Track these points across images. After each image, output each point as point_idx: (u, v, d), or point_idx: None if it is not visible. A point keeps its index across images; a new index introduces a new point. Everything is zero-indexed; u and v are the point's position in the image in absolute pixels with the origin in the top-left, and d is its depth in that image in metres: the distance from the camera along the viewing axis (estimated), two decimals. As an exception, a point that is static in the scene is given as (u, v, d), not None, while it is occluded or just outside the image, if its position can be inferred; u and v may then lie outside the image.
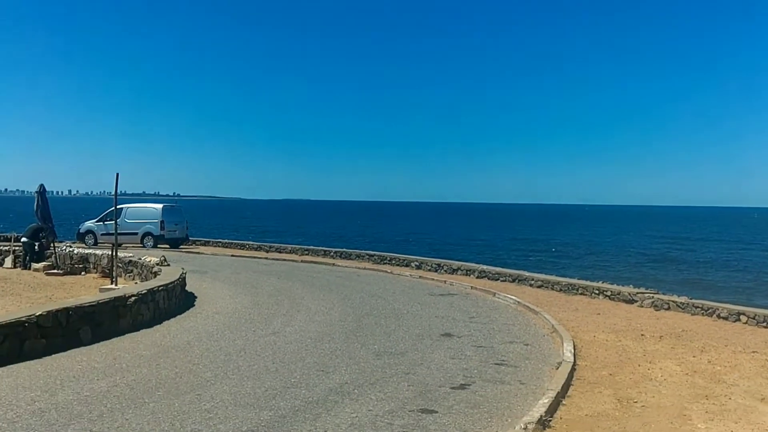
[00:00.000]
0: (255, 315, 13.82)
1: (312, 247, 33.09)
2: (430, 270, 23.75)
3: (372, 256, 27.49)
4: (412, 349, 10.97)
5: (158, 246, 30.18)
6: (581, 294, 18.09)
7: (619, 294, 17.20)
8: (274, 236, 57.16)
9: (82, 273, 20.25)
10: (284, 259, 27.76)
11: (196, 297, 15.90)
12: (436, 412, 7.56)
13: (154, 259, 18.27)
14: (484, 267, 23.15)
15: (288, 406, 7.59)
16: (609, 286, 18.19)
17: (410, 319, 13.87)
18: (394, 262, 26.17)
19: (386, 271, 23.60)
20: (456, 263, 23.97)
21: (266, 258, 28.33)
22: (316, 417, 7.22)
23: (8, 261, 21.96)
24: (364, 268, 24.57)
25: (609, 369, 10.07)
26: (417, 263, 25.07)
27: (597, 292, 17.79)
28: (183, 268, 16.81)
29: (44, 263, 20.79)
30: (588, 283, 19.01)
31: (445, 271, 23.23)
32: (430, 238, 71.24)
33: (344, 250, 30.40)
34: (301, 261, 27.14)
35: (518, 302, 16.35)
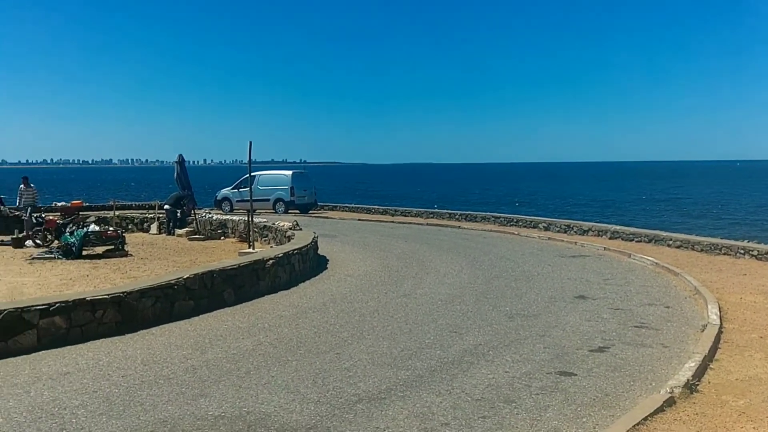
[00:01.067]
0: (385, 277, 14.03)
1: (437, 210, 33.11)
2: (558, 231, 23.18)
3: (498, 218, 27.17)
4: (545, 311, 10.78)
5: (289, 211, 31.20)
6: (724, 254, 17.07)
7: (767, 254, 16.10)
8: (398, 200, 57.73)
9: (221, 238, 21.28)
10: (410, 223, 27.96)
11: (328, 260, 16.33)
12: (575, 374, 7.40)
13: (287, 224, 18.89)
14: (617, 227, 22.32)
15: (424, 367, 7.68)
16: (756, 246, 17.05)
17: (541, 280, 13.62)
18: (520, 223, 25.75)
19: (513, 233, 23.27)
20: (586, 224, 23.25)
21: (392, 221, 28.64)
22: (452, 377, 7.26)
23: (154, 227, 23.43)
24: (490, 231, 24.34)
25: (759, 332, 9.47)
26: (545, 225, 24.53)
27: (742, 251, 16.73)
28: (314, 232, 17.28)
29: (186, 229, 22.02)
30: (732, 242, 17.91)
31: (575, 232, 22.59)
32: (545, 200, 69.43)
33: (469, 212, 30.20)
34: (427, 224, 27.24)
35: (656, 263, 15.66)
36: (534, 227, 24.74)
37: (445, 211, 31.86)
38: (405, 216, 31.20)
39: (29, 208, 21.11)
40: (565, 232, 22.91)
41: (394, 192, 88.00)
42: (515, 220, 26.27)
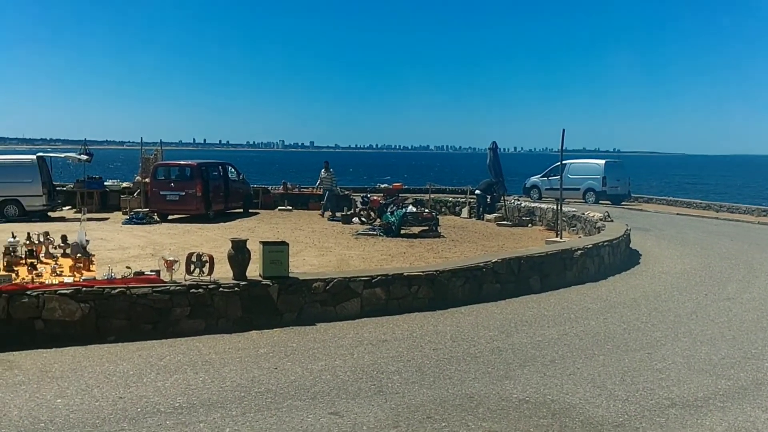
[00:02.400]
0: (705, 277, 12.89)
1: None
2: None
3: None
4: None
5: (599, 202, 30.20)
6: None
7: None
8: (724, 195, 52.59)
9: (529, 225, 21.36)
10: (737, 220, 25.30)
11: (640, 255, 15.48)
12: None
13: (598, 215, 18.31)
14: None
15: (749, 378, 6.92)
16: None
17: None
18: None
19: None
20: None
21: (716, 218, 26.17)
22: (785, 395, 6.43)
23: (464, 211, 24.32)
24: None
25: None
26: None
27: None
28: (626, 225, 16.50)
29: (495, 215, 22.49)
30: None
31: None
32: None
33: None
34: (758, 223, 24.40)
35: None
36: None
37: (781, 209, 28.21)
38: (731, 213, 28.29)
39: (327, 192, 23.31)
40: None
41: (719, 186, 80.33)
42: None
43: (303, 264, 12.66)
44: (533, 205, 23.42)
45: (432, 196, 26.78)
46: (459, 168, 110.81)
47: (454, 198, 27.05)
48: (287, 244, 9.48)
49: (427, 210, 20.50)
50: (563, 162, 17.84)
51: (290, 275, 9.22)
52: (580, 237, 17.09)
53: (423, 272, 10.09)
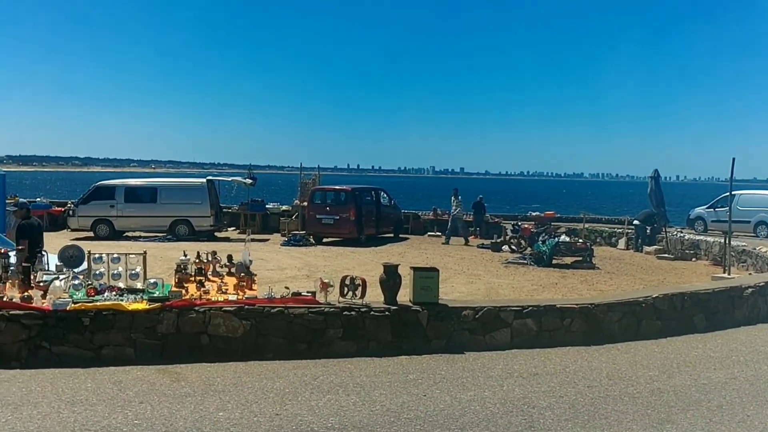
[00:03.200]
0: None
1: None
2: None
3: None
4: None
5: (773, 236, 27.90)
6: None
7: None
8: None
9: (692, 259, 20.11)
10: None
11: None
12: None
13: (771, 250, 16.92)
14: None
15: None
16: None
17: None
18: None
19: None
20: None
21: None
22: None
23: (621, 242, 23.31)
24: None
25: None
26: None
27: None
28: (806, 262, 15.12)
29: (655, 247, 21.39)
30: None
31: None
32: None
33: None
34: None
35: None
36: None
37: None
38: None
39: (452, 217, 23.11)
40: None
41: None
42: None
43: (452, 291, 12.65)
44: (698, 237, 22.02)
45: (586, 225, 25.92)
46: (615, 197, 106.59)
47: (610, 228, 26.02)
48: (437, 271, 9.52)
49: (580, 240, 19.88)
50: (732, 192, 16.70)
51: (440, 302, 9.23)
52: (750, 274, 15.87)
53: (577, 305, 9.75)
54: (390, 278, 9.08)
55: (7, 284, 8.70)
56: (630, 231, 23.35)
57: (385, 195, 24.89)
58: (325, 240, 22.21)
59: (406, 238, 23.94)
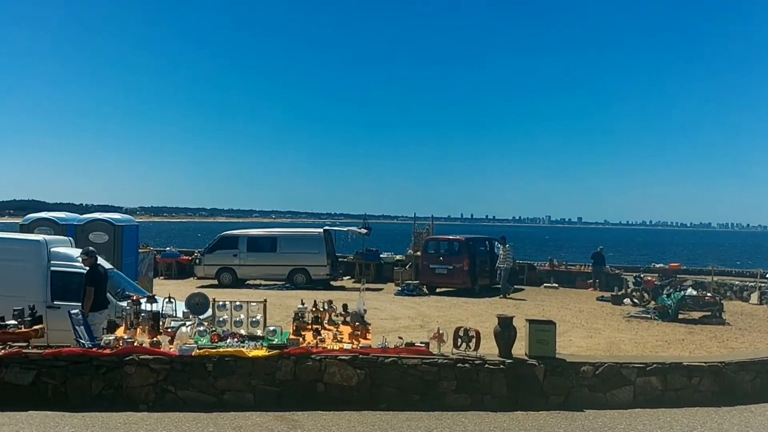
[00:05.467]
0: None
1: None
2: None
3: None
4: None
5: None
6: None
7: None
8: None
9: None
10: None
11: None
12: None
13: None
14: None
15: None
16: None
17: None
18: None
19: None
20: None
21: None
22: None
23: (754, 297, 21.85)
24: None
25: None
26: None
27: None
28: None
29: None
30: None
31: None
32: None
33: None
34: None
35: None
36: None
37: None
38: None
39: (501, 267, 22.01)
40: None
41: None
42: None
43: (569, 345, 12.27)
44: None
45: (715, 278, 24.53)
46: (747, 248, 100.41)
47: (741, 281, 24.48)
48: (554, 324, 9.28)
49: (709, 294, 18.83)
50: None
51: (557, 356, 8.97)
52: None
53: (705, 363, 9.20)
54: (505, 330, 8.94)
55: (138, 329, 9.23)
56: (763, 285, 21.89)
57: (499, 245, 24.62)
58: (438, 290, 22.16)
59: (521, 289, 23.49)
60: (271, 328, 9.21)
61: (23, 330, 9.17)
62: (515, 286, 23.71)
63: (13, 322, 9.30)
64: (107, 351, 8.50)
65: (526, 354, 8.94)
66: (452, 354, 8.80)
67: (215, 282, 23.76)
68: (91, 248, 10.90)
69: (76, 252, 11.61)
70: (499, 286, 23.17)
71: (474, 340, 8.91)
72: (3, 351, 8.43)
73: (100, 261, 11.20)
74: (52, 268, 11.13)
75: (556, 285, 24.63)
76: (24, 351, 8.49)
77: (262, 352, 8.52)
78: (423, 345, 9.00)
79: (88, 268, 10.36)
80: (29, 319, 9.56)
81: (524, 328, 9.09)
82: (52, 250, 11.34)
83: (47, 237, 12.33)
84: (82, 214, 19.21)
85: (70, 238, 13.42)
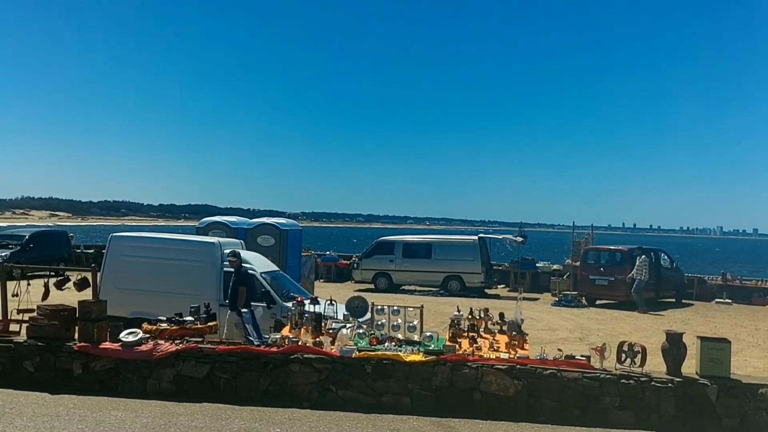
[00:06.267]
0: None
1: None
2: None
3: None
4: None
5: None
6: None
7: None
8: None
9: None
10: None
11: None
12: None
13: None
14: None
15: None
16: None
17: None
18: None
19: None
20: None
21: None
22: None
23: None
24: None
25: None
26: None
27: None
28: None
29: None
30: None
31: None
32: None
33: None
34: None
35: None
36: None
37: None
38: None
39: (636, 280, 20.11)
40: None
41: None
42: None
43: (745, 365, 11.41)
44: None
45: None
46: None
47: None
48: (729, 342, 8.64)
49: None
50: None
51: (731, 376, 8.36)
52: None
53: None
54: (673, 347, 8.45)
55: (302, 330, 9.63)
56: None
57: (666, 257, 23.33)
58: (598, 302, 21.34)
59: (690, 304, 22.08)
60: (428, 334, 9.28)
61: (199, 326, 9.86)
62: (684, 301, 22.37)
63: (190, 318, 10.04)
64: (274, 349, 8.94)
65: (696, 373, 8.39)
66: (615, 369, 8.44)
67: (371, 286, 24.30)
68: (237, 250, 11.57)
69: (245, 254, 12.33)
70: (670, 299, 21.96)
71: (639, 355, 8.49)
72: (181, 345, 9.11)
73: (255, 262, 11.96)
74: (225, 269, 11.86)
75: (729, 301, 22.91)
76: (199, 346, 9.11)
77: (419, 357, 8.61)
78: (584, 358, 8.70)
79: (234, 269, 10.96)
80: (204, 315, 10.30)
81: (694, 345, 8.55)
82: (225, 252, 12.10)
83: (221, 239, 13.19)
84: (251, 218, 20.38)
85: (242, 241, 14.28)
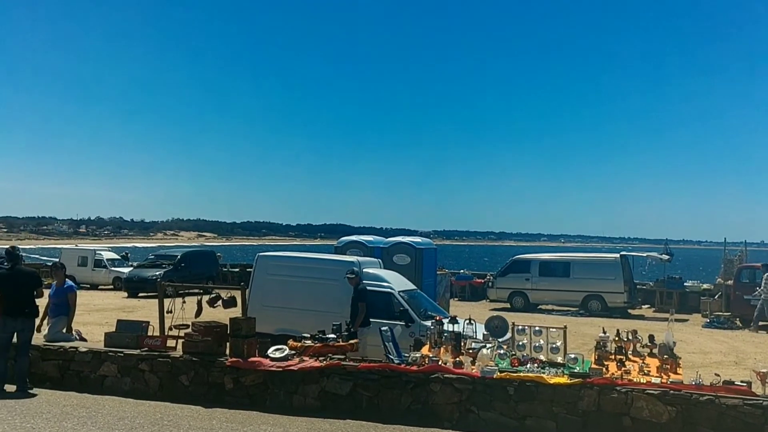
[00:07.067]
0: None
1: None
2: None
3: None
4: None
5: None
6: None
7: None
8: None
9: None
10: None
11: None
12: None
13: None
14: None
15: None
16: None
17: None
18: None
19: None
20: None
21: None
22: None
23: None
24: None
25: None
26: None
27: None
28: None
29: None
30: None
31: None
32: None
33: None
34: None
35: None
36: None
37: None
38: None
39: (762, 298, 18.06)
40: None
41: None
42: None
43: None
44: None
45: None
46: None
47: None
48: None
49: None
50: None
51: None
52: None
53: None
54: None
55: (442, 349, 9.60)
56: None
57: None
58: (761, 323, 19.88)
59: None
60: (572, 356, 8.98)
61: (341, 344, 10.08)
62: None
63: (332, 336, 10.29)
64: (414, 368, 8.97)
65: None
66: (782, 396, 7.80)
67: (507, 305, 23.93)
68: (356, 268, 11.80)
69: (383, 273, 12.51)
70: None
71: (808, 383, 7.81)
72: (325, 362, 9.33)
73: (393, 281, 12.14)
74: (369, 288, 12.06)
75: None
76: (342, 363, 9.30)
77: (563, 380, 8.35)
78: (744, 384, 8.11)
79: (354, 286, 11.23)
80: (346, 333, 10.52)
81: None
82: (363, 270, 12.32)
83: (360, 258, 13.46)
84: (386, 237, 20.67)
85: (379, 260, 14.50)
